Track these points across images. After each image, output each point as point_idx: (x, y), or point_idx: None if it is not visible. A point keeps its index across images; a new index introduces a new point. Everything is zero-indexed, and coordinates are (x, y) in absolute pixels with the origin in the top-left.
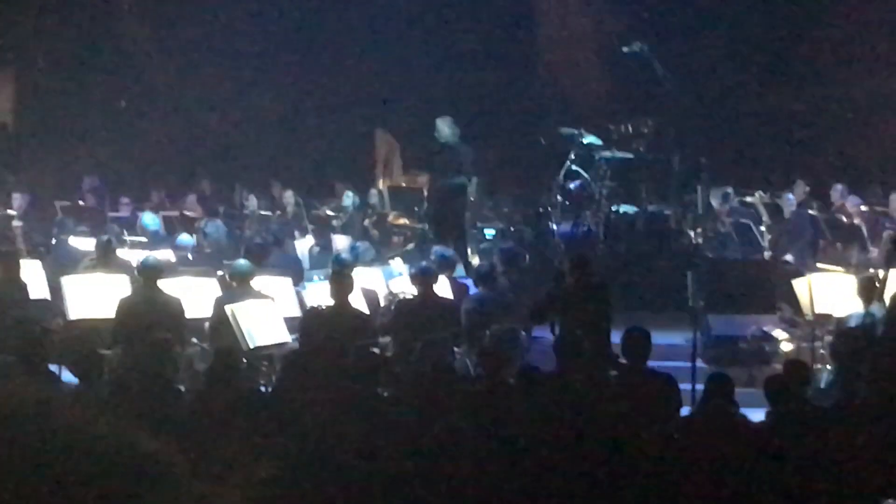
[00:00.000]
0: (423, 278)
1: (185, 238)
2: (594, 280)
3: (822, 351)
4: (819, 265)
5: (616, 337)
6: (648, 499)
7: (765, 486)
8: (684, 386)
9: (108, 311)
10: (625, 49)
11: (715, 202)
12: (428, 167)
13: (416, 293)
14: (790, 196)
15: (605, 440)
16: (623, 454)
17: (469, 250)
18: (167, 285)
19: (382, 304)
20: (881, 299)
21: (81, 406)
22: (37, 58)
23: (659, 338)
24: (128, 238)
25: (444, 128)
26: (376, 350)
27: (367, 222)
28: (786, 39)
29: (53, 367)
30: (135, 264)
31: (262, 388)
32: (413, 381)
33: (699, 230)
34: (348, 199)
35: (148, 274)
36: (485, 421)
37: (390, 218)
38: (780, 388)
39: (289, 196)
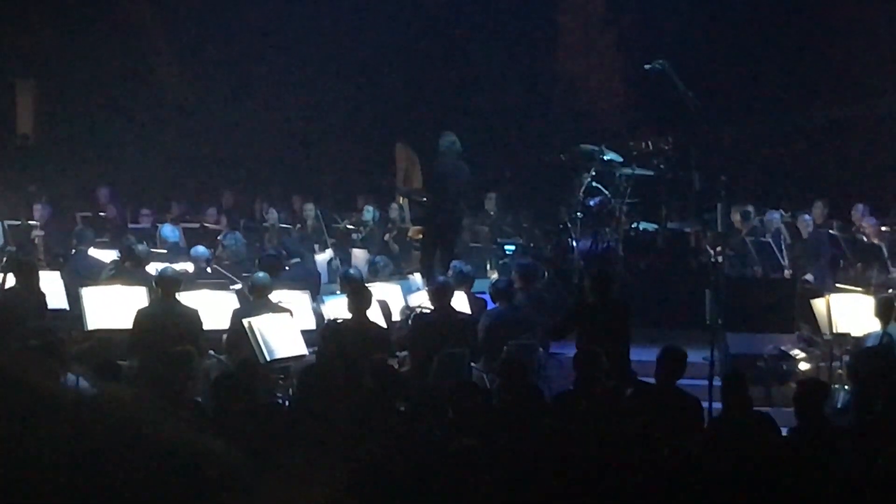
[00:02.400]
0: (440, 293)
1: (200, 249)
2: (615, 297)
3: (839, 370)
4: (838, 285)
5: (635, 354)
6: None
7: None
8: (702, 404)
9: (125, 322)
10: (646, 66)
11: (735, 220)
12: None
13: (433, 307)
14: (807, 217)
15: (626, 458)
16: (643, 472)
17: (488, 265)
18: (185, 297)
19: (398, 317)
20: None
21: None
22: (58, 69)
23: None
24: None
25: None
26: (394, 364)
27: (387, 236)
28: (808, 57)
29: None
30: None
31: (280, 401)
32: (432, 396)
33: (719, 248)
34: (368, 213)
35: (166, 285)
36: (502, 437)
37: (410, 232)
38: (807, 405)
39: (309, 209)
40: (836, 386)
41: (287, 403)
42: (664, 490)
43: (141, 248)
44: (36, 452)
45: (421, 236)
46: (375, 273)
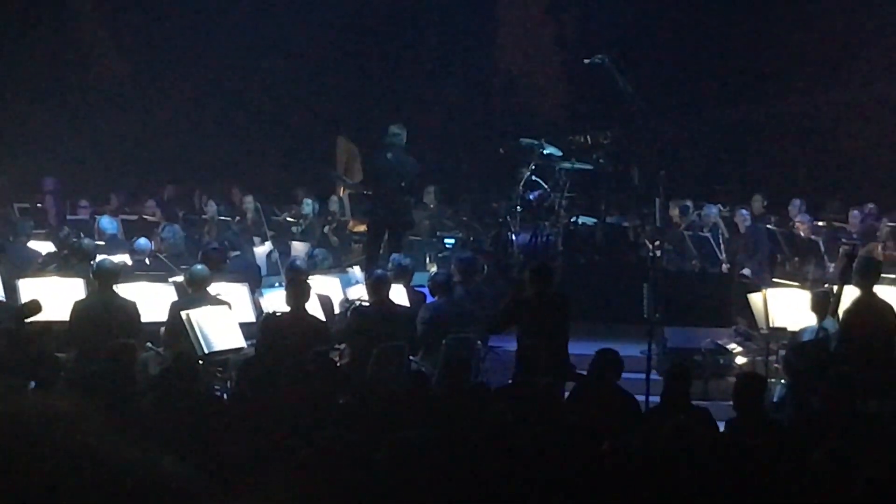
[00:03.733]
0: (378, 285)
1: (142, 242)
2: (554, 290)
3: (775, 365)
4: (775, 279)
5: (574, 348)
6: None
7: (722, 498)
8: (639, 397)
9: (63, 314)
10: (586, 60)
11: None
12: None
13: (372, 301)
14: (744, 211)
15: (565, 452)
16: (581, 466)
17: (428, 258)
18: (123, 289)
19: (337, 310)
20: (835, 314)
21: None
22: None
23: (614, 349)
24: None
25: None
26: (335, 357)
27: (326, 229)
28: (747, 52)
29: None
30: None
31: (218, 394)
32: (373, 388)
33: (657, 242)
34: (308, 206)
35: (104, 277)
36: (443, 431)
37: (350, 225)
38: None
39: (248, 201)
40: (773, 380)
41: (226, 396)
42: (603, 483)
43: (87, 242)
44: None
45: (363, 228)
46: (314, 266)
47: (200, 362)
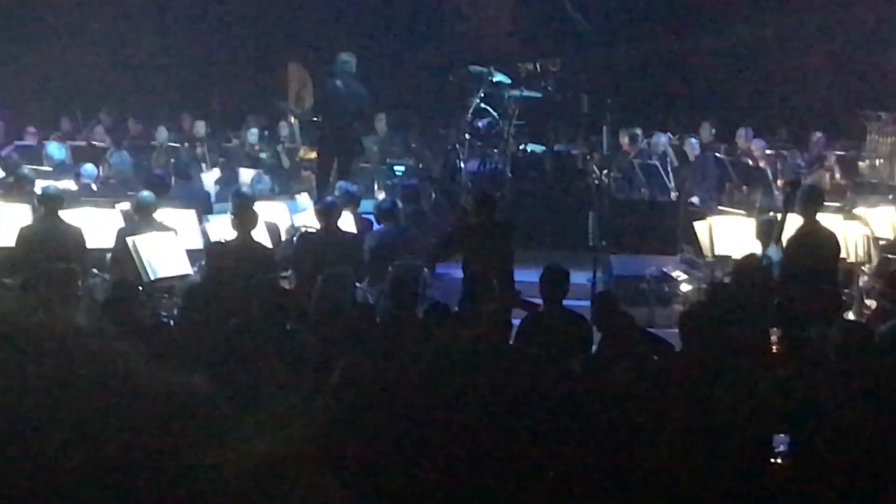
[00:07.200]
0: (327, 212)
1: (88, 168)
2: (498, 218)
3: None
4: (722, 208)
5: (520, 275)
6: (558, 438)
7: (673, 423)
8: None
9: (8, 239)
10: None
11: (623, 142)
12: None
13: (319, 227)
14: (693, 140)
15: (515, 377)
16: (533, 392)
17: (376, 185)
18: (69, 215)
19: (284, 237)
20: (779, 242)
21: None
22: None
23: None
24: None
25: None
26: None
27: (280, 147)
28: None
29: None
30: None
31: (165, 320)
32: (320, 315)
33: (605, 170)
34: (253, 135)
35: (49, 203)
36: (391, 358)
37: (301, 152)
38: (696, 325)
39: (199, 127)
40: None
41: (172, 322)
42: (555, 411)
43: (27, 171)
44: None
45: (314, 155)
46: (259, 192)
47: (141, 289)
